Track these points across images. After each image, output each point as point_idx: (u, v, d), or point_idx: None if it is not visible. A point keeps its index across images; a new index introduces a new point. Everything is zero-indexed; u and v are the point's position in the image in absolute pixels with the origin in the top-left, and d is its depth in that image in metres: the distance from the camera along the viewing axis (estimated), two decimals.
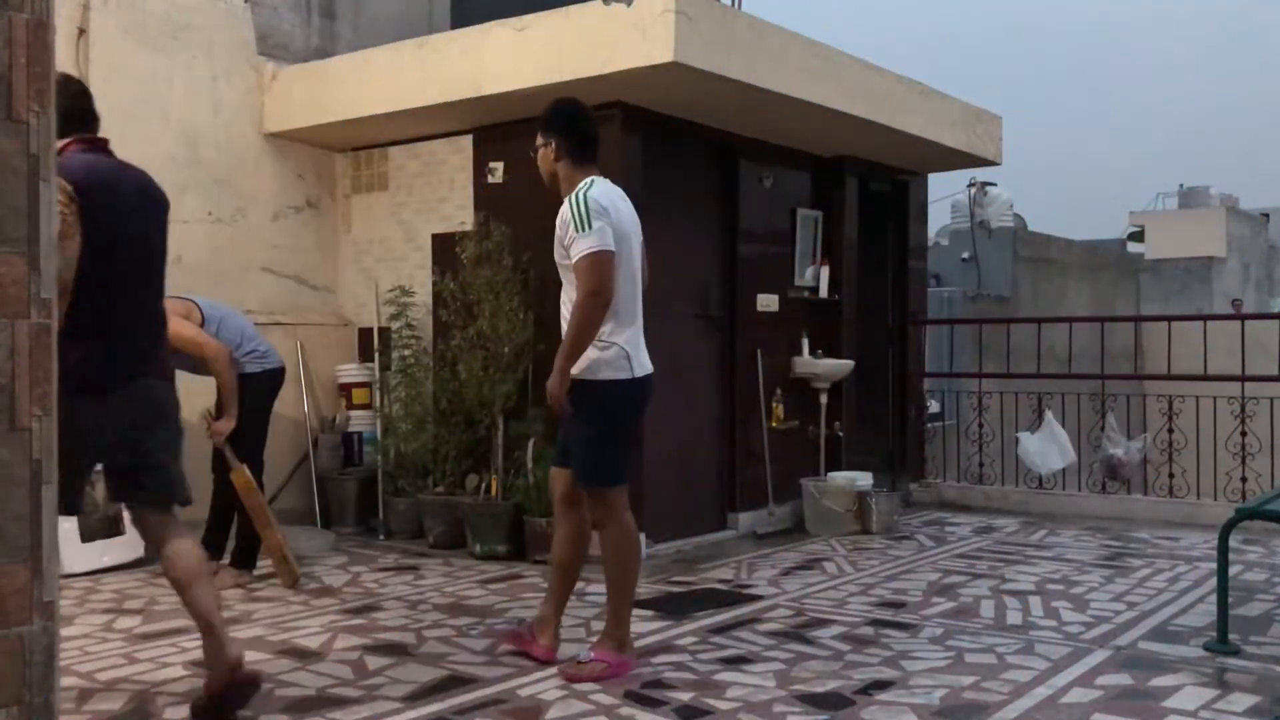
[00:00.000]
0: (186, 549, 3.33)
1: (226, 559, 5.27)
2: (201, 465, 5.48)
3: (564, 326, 3.85)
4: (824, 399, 7.23)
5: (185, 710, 3.44)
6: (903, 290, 8.20)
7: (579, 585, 5.17)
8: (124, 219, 3.27)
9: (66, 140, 3.25)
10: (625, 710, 3.44)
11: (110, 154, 3.42)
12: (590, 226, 3.68)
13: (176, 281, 6.10)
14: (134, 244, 3.32)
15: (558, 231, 3.80)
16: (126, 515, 5.55)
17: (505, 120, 6.27)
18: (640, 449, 5.94)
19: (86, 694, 3.57)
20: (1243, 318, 10.81)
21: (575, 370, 3.76)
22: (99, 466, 3.54)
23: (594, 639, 4.21)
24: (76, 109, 3.34)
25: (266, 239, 6.77)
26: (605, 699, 3.54)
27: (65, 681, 3.47)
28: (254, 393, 5.17)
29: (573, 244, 3.70)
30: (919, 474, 8.23)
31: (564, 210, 3.78)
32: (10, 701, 1.94)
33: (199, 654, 4.02)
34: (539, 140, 3.94)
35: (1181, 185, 27.97)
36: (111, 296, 3.22)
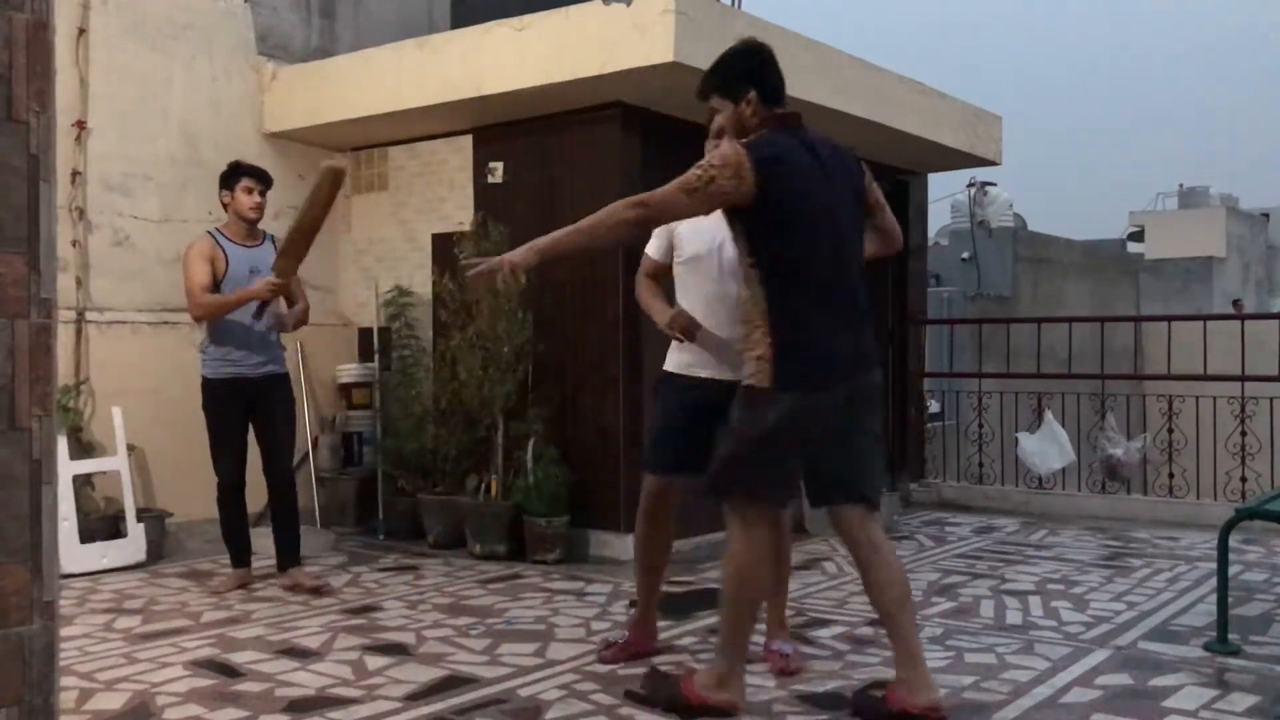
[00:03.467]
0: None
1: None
2: (203, 469, 5.48)
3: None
4: None
5: (185, 710, 3.44)
6: (903, 290, 8.19)
7: (578, 585, 5.18)
8: None
9: None
10: (625, 710, 3.44)
11: None
12: None
13: (177, 281, 6.17)
14: None
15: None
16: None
17: (505, 120, 6.27)
18: (641, 450, 5.94)
19: (86, 694, 3.57)
20: (1243, 318, 10.82)
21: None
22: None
23: (596, 638, 4.22)
24: None
25: None
26: (605, 699, 3.54)
27: (65, 681, 3.47)
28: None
29: None
30: (919, 474, 8.23)
31: None
32: (10, 701, 1.94)
33: (199, 654, 4.04)
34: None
35: (1181, 185, 27.99)
36: None
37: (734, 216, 3.27)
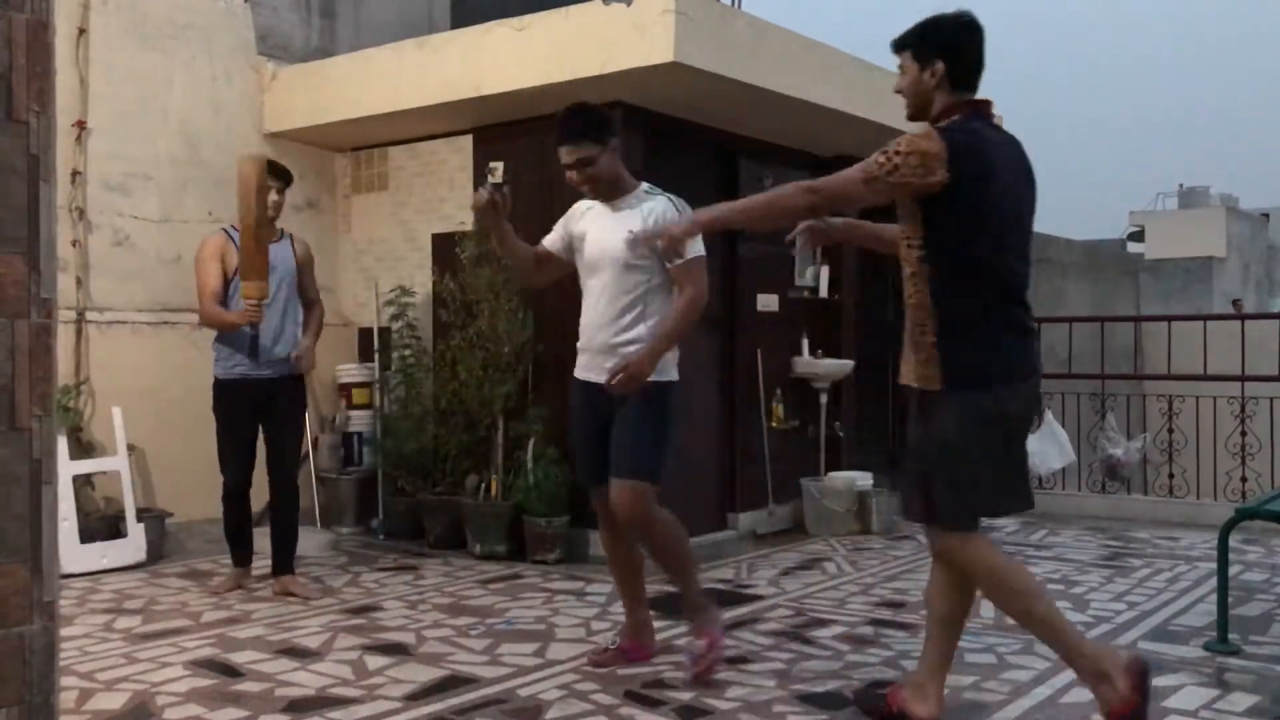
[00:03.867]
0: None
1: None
2: (204, 469, 5.47)
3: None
4: (824, 399, 7.23)
5: (185, 710, 3.44)
6: (903, 290, 8.17)
7: (578, 585, 5.18)
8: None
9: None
10: (625, 710, 3.44)
11: None
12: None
13: (177, 281, 6.18)
14: None
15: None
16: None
17: (505, 120, 6.27)
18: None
19: (86, 694, 3.57)
20: (1243, 318, 10.81)
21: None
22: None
23: (596, 638, 4.22)
24: None
25: None
26: (605, 699, 3.54)
27: (65, 681, 3.47)
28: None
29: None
30: None
31: None
32: (10, 701, 1.94)
33: (199, 654, 4.04)
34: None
35: (1181, 185, 28.05)
36: None
37: (913, 206, 3.04)
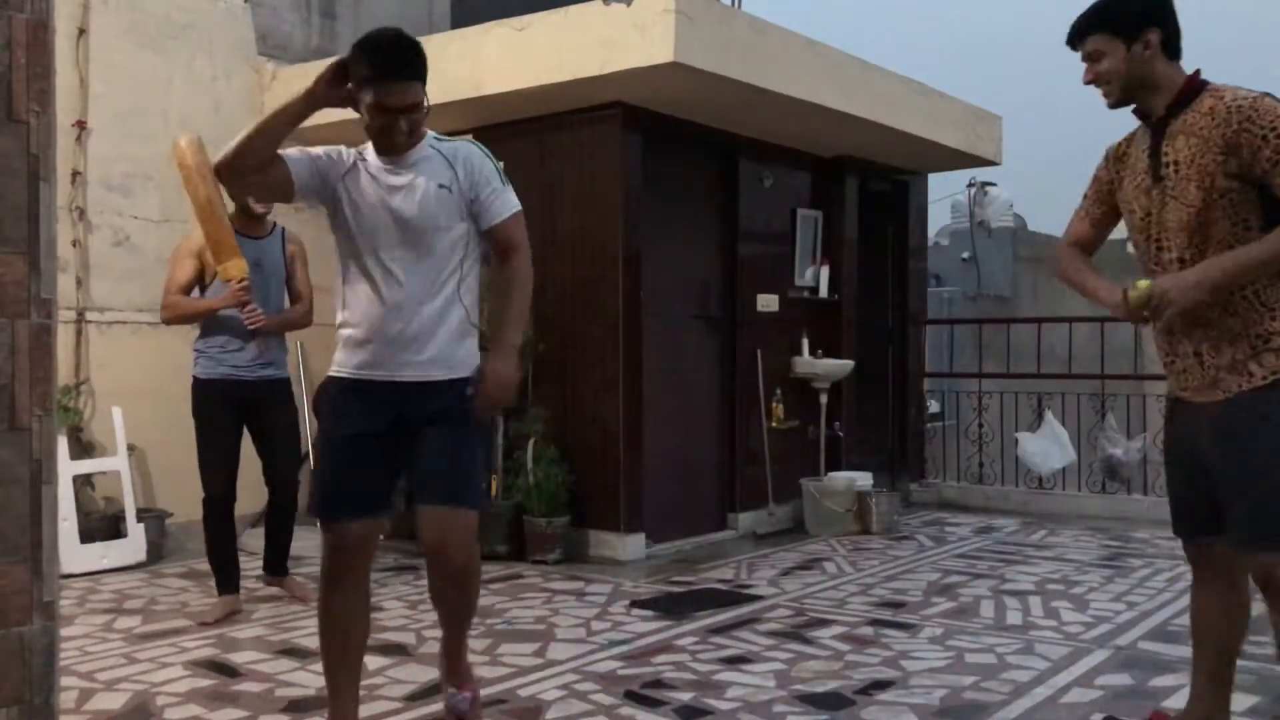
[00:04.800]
0: None
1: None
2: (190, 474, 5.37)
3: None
4: (824, 399, 7.23)
5: (185, 710, 3.44)
6: (903, 290, 8.20)
7: (578, 585, 5.18)
8: None
9: None
10: (625, 710, 3.44)
11: None
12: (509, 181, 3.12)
13: None
14: None
15: None
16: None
17: (505, 120, 6.26)
18: (641, 450, 5.95)
19: (86, 694, 3.57)
20: None
21: (470, 362, 3.13)
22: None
23: (596, 638, 4.22)
24: None
25: None
26: (605, 699, 3.54)
27: (65, 681, 3.47)
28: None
29: None
30: (919, 474, 8.23)
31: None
32: (10, 701, 1.94)
33: (199, 654, 4.04)
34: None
35: None
36: None
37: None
